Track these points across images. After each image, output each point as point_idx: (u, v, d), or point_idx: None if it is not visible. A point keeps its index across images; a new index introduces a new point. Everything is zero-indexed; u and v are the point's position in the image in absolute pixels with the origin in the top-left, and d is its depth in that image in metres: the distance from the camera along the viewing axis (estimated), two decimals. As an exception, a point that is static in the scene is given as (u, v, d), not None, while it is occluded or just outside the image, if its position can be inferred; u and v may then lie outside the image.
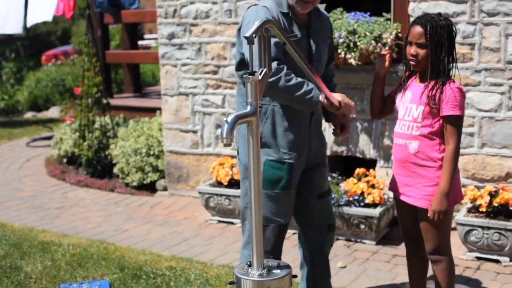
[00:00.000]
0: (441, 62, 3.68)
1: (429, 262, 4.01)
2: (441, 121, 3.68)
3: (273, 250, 3.92)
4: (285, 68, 3.64)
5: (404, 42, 3.79)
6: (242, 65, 3.86)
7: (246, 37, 2.75)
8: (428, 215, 3.68)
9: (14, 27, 9.68)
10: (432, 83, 3.67)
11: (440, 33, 3.63)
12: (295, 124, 3.81)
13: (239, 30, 3.84)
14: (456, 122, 3.65)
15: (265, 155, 3.79)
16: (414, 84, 3.81)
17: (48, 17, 9.55)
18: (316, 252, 4.14)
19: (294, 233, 5.71)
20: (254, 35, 2.76)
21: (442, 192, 3.64)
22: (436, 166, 3.71)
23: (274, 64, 3.59)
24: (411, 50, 3.70)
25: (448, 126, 3.65)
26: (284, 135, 3.81)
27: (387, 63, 3.92)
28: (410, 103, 3.78)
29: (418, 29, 3.66)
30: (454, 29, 3.70)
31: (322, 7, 4.04)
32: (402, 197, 3.89)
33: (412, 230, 3.98)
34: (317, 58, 3.89)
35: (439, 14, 3.73)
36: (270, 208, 3.85)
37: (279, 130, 3.81)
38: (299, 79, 3.64)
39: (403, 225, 4.03)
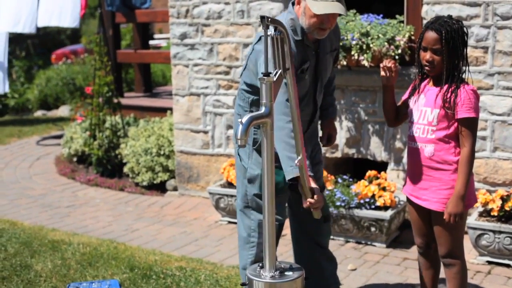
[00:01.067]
0: (456, 66, 3.67)
1: (441, 265, 4.00)
2: (456, 124, 3.66)
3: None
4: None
5: (417, 47, 3.77)
6: (249, 86, 3.91)
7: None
8: (444, 217, 3.66)
9: (27, 26, 9.66)
10: (447, 86, 3.66)
11: (455, 38, 3.62)
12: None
13: (251, 52, 3.85)
14: (471, 124, 3.64)
15: None
16: (428, 88, 3.79)
17: (75, 24, 9.51)
18: (314, 243, 4.19)
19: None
20: None
21: (458, 195, 3.63)
22: (452, 169, 3.70)
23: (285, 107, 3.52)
24: (427, 56, 3.67)
25: (463, 129, 3.64)
26: None
27: (394, 75, 3.89)
28: (424, 106, 3.76)
29: (433, 35, 3.63)
30: (466, 31, 3.69)
31: None
32: (416, 200, 3.87)
33: (425, 233, 3.97)
34: (324, 74, 3.96)
35: (450, 17, 3.71)
36: None
37: None
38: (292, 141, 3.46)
39: (416, 228, 4.01)
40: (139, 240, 5.96)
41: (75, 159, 8.74)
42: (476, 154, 5.56)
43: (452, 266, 3.85)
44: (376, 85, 5.91)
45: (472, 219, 5.23)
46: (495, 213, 5.17)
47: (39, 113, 13.88)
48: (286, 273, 2.92)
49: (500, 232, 5.07)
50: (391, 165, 6.05)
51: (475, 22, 5.50)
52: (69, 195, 7.53)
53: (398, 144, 5.97)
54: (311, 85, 3.87)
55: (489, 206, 5.21)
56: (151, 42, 14.94)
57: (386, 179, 5.84)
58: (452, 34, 3.61)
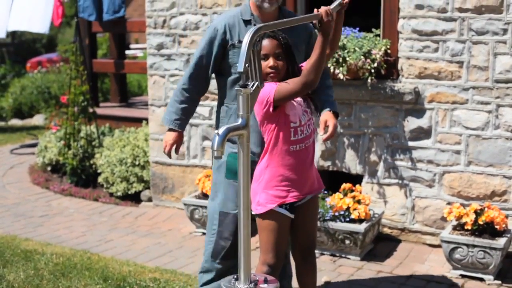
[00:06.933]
0: (295, 66, 3.83)
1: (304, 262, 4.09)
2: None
3: (232, 237, 4.20)
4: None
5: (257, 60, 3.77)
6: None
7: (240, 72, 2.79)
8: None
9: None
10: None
11: (287, 42, 3.80)
12: None
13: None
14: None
15: (229, 147, 4.11)
16: None
17: (44, 30, 9.49)
18: None
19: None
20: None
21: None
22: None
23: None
24: (270, 62, 3.74)
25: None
26: None
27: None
28: (307, 107, 3.90)
29: (272, 41, 3.75)
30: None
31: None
32: (308, 195, 3.98)
33: (307, 238, 4.05)
34: None
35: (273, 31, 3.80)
36: (232, 197, 4.15)
37: None
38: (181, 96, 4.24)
39: (286, 240, 3.97)
40: (113, 250, 5.93)
41: (49, 168, 8.69)
42: (451, 168, 5.63)
43: (314, 257, 4.07)
44: (352, 98, 5.94)
45: (446, 233, 5.26)
46: (469, 227, 5.20)
47: (13, 122, 13.78)
48: (261, 285, 2.91)
49: (474, 246, 5.11)
50: (366, 178, 6.07)
51: (451, 37, 5.55)
52: (43, 204, 7.47)
53: (373, 157, 5.99)
54: None
55: (463, 220, 5.24)
56: (128, 52, 14.88)
57: (361, 192, 5.85)
58: (286, 39, 3.78)
